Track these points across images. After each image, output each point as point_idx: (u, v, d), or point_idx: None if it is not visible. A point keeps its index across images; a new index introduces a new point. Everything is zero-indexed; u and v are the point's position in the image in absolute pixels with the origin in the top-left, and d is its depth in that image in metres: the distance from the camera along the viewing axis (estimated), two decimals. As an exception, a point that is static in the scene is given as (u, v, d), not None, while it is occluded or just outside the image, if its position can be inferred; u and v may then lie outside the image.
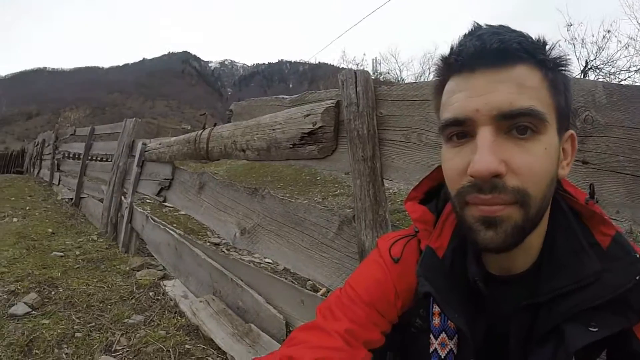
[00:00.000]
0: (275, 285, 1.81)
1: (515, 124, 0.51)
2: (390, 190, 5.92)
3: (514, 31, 0.53)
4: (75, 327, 2.14)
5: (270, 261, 3.46)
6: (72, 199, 5.91)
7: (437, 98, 0.61)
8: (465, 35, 0.55)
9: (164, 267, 3.01)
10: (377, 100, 1.25)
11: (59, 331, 2.07)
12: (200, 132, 2.36)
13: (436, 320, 0.64)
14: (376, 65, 18.42)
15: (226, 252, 3.64)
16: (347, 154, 1.30)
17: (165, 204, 3.06)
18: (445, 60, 0.58)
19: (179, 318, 2.24)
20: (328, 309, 0.68)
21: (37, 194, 7.10)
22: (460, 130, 0.54)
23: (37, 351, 1.90)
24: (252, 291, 1.92)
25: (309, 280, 2.81)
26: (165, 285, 2.63)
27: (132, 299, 2.51)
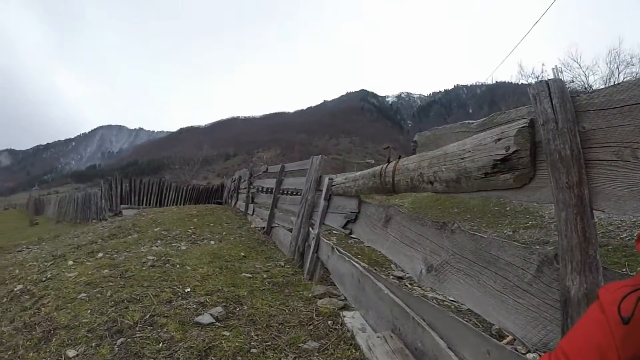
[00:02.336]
0: (459, 328, 1.79)
1: None
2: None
3: None
4: (252, 343, 2.50)
5: (454, 299, 3.38)
6: (264, 227, 7.10)
7: None
8: None
9: (345, 297, 3.27)
10: (577, 113, 1.19)
11: (236, 344, 2.45)
12: (385, 165, 2.55)
13: None
14: (557, 75, 16.61)
15: (409, 286, 3.72)
16: (548, 182, 1.25)
17: (351, 236, 3.35)
18: None
19: (354, 351, 2.40)
20: None
21: (233, 222, 8.64)
22: None
23: (212, 358, 2.30)
24: (433, 333, 1.93)
25: (494, 325, 2.66)
26: (344, 316, 2.86)
27: (310, 325, 2.80)
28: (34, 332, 2.68)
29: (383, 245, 2.62)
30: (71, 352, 2.37)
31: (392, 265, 4.91)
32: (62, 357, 2.33)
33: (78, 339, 2.52)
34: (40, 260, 5.54)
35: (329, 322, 2.83)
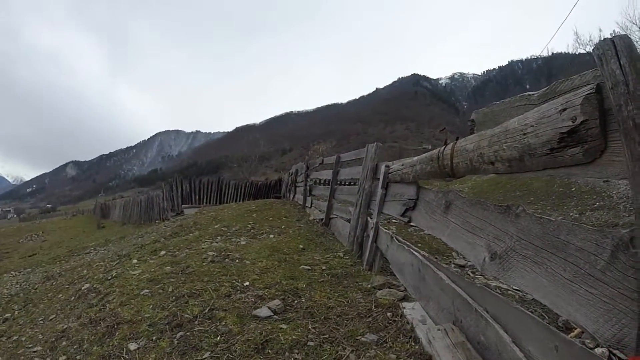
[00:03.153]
0: (524, 321, 1.70)
1: None
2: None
3: None
4: (309, 336, 2.53)
5: (520, 289, 3.27)
6: (322, 219, 7.21)
7: None
8: None
9: (405, 288, 3.23)
10: (649, 73, 1.07)
11: (293, 337, 2.49)
12: (442, 148, 2.46)
13: None
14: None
15: (472, 275, 3.61)
16: (621, 154, 1.14)
17: (410, 224, 3.30)
18: None
19: (413, 344, 2.35)
20: None
21: (292, 215, 8.83)
22: None
23: (269, 351, 2.35)
24: (497, 326, 1.86)
25: (561, 316, 2.52)
26: (404, 307, 2.82)
27: (369, 317, 2.79)
28: (98, 327, 2.92)
29: (443, 233, 2.54)
30: (132, 346, 2.54)
31: (453, 254, 4.80)
32: (123, 350, 2.50)
33: (140, 333, 2.70)
34: (107, 260, 5.99)
35: (388, 313, 2.81)
